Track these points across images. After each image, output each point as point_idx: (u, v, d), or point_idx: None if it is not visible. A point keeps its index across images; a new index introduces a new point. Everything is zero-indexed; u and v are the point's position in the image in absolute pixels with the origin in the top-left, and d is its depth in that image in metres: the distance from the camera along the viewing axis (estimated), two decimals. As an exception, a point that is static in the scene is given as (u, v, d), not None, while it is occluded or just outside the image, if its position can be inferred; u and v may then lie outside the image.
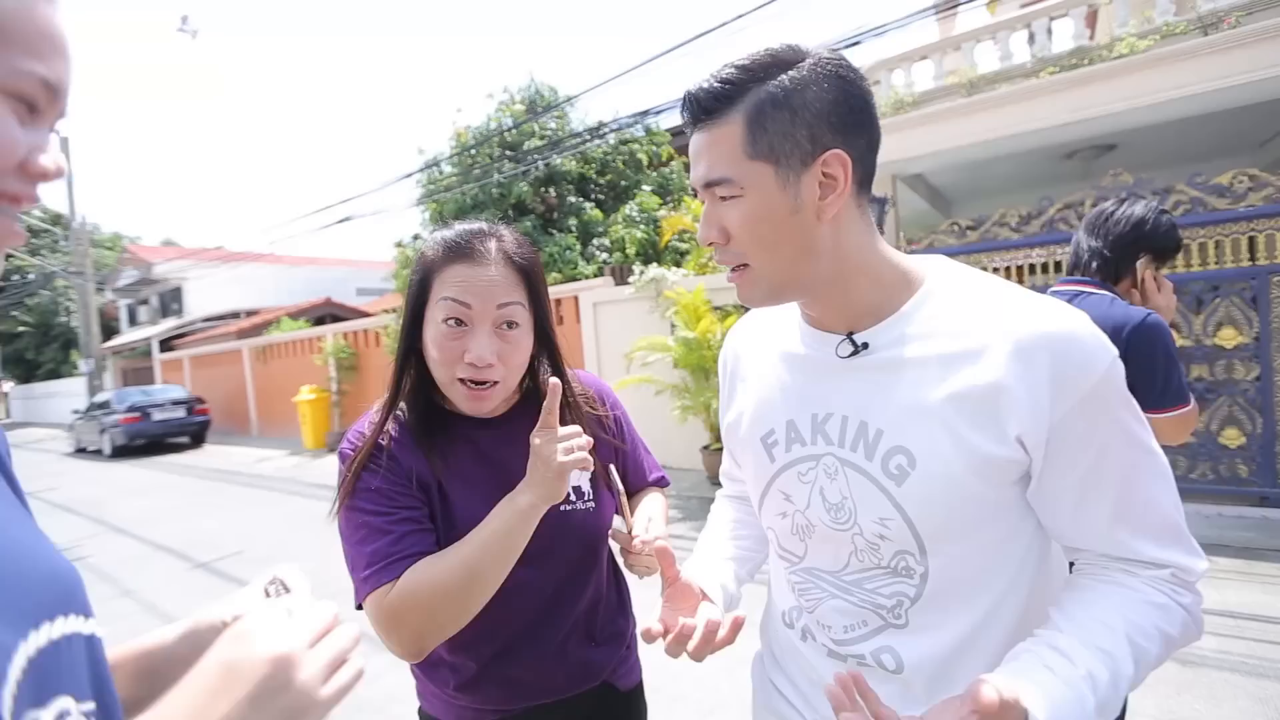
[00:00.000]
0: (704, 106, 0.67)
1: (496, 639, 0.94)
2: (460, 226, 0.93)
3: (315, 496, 7.26)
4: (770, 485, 0.79)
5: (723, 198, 0.68)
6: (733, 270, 0.72)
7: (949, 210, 8.72)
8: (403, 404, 0.95)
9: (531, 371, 1.00)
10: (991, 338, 0.64)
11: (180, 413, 12.73)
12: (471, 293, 0.87)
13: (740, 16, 5.27)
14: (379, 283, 20.99)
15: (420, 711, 1.04)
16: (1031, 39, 5.42)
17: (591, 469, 0.87)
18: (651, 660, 1.09)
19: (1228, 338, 4.36)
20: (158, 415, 12.41)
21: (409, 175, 9.66)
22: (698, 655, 0.71)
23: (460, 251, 0.89)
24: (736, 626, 0.72)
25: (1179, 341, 4.59)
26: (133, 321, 25.27)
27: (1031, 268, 5.04)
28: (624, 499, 0.93)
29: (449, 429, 0.95)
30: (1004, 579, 0.69)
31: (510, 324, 0.90)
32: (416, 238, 10.42)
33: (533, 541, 0.86)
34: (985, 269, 5.15)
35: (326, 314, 16.59)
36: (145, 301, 24.34)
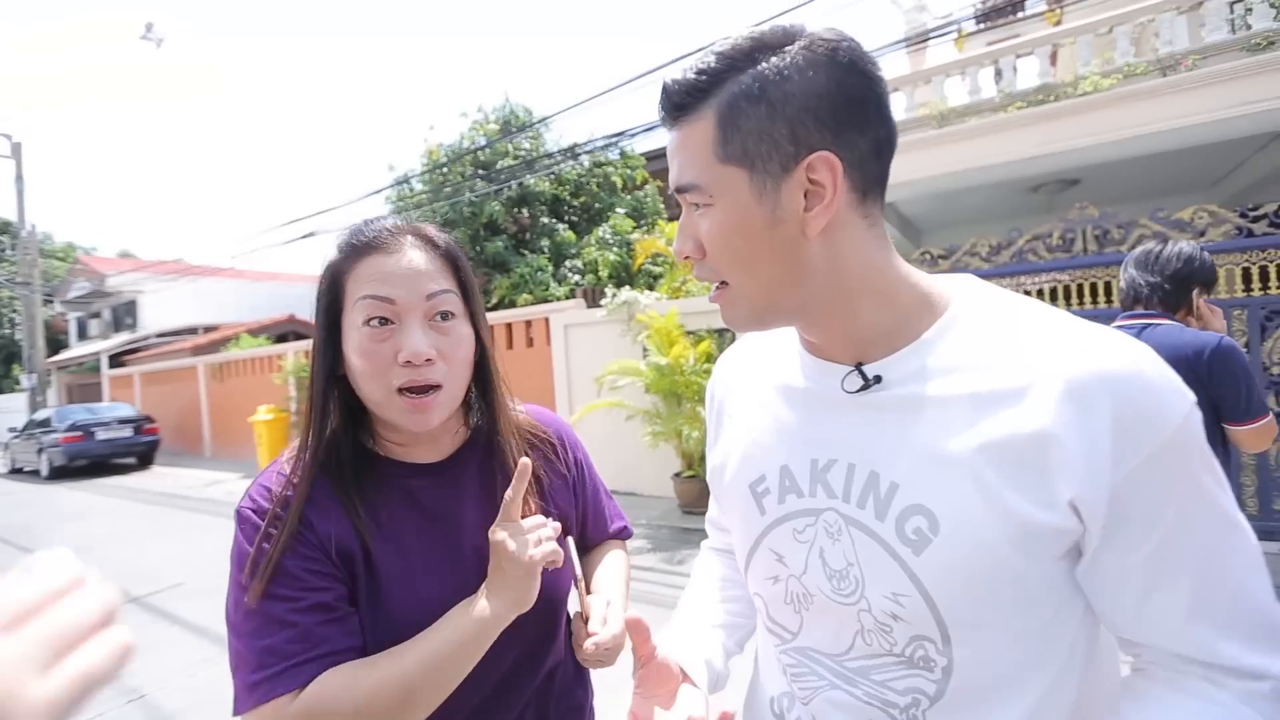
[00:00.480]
0: (675, 101, 0.57)
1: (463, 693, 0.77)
2: (364, 223, 0.78)
3: (266, 523, 6.89)
4: (759, 542, 0.66)
5: (693, 204, 0.58)
6: (714, 289, 0.61)
7: (919, 239, 8.86)
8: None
9: (474, 397, 0.85)
10: (1037, 375, 0.51)
11: (127, 432, 12.11)
12: (393, 283, 0.72)
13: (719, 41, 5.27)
14: (346, 300, 20.46)
15: None
16: (999, 75, 5.55)
17: (561, 561, 0.72)
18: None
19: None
20: (102, 434, 11.77)
21: (378, 191, 9.47)
22: None
23: (371, 244, 0.74)
24: None
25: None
26: (82, 335, 24.21)
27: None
28: (581, 579, 0.77)
29: (380, 477, 0.79)
30: (1046, 677, 0.55)
31: (444, 314, 0.75)
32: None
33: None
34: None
35: (289, 331, 16.09)
36: (97, 315, 23.36)
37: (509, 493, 0.73)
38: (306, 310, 20.23)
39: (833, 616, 0.61)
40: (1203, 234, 4.50)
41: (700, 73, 0.55)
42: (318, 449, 0.76)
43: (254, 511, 0.73)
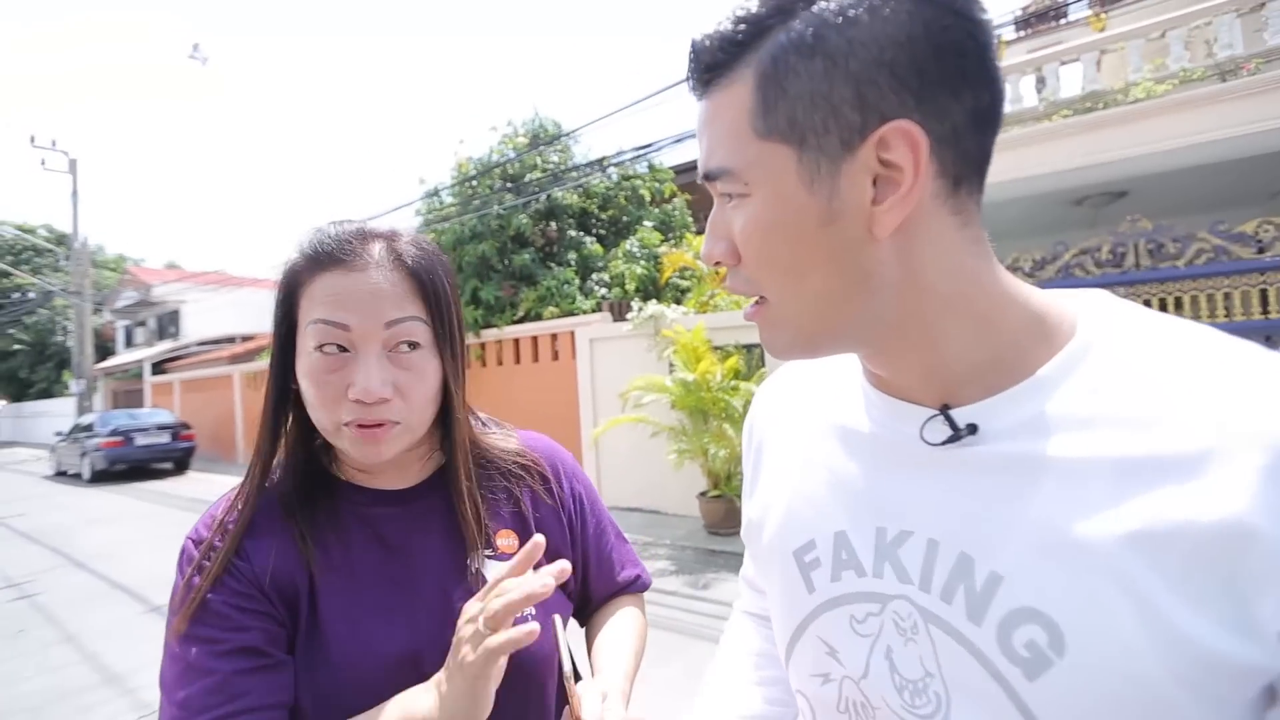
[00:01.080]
0: (705, 61, 0.43)
1: None
2: (326, 230, 0.67)
3: (292, 533, 6.93)
4: (805, 627, 0.52)
5: (724, 194, 0.45)
6: (750, 305, 0.48)
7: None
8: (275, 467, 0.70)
9: (450, 424, 0.73)
10: (1219, 435, 0.36)
11: (165, 438, 12.41)
12: (348, 308, 0.63)
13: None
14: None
15: None
16: (1041, 83, 5.34)
17: (535, 636, 0.55)
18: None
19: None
20: (141, 440, 12.09)
21: (409, 204, 9.58)
22: None
23: (329, 255, 0.64)
24: None
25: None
26: (129, 343, 25.10)
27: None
28: (568, 669, 0.62)
29: (337, 502, 0.70)
30: None
31: (409, 344, 0.65)
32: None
33: (434, 664, 0.61)
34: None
35: (322, 341, 16.38)
36: (143, 323, 24.21)
37: (504, 570, 0.58)
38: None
39: None
40: (1266, 248, 4.23)
41: (739, 21, 0.41)
42: (263, 473, 0.68)
43: (194, 543, 0.66)
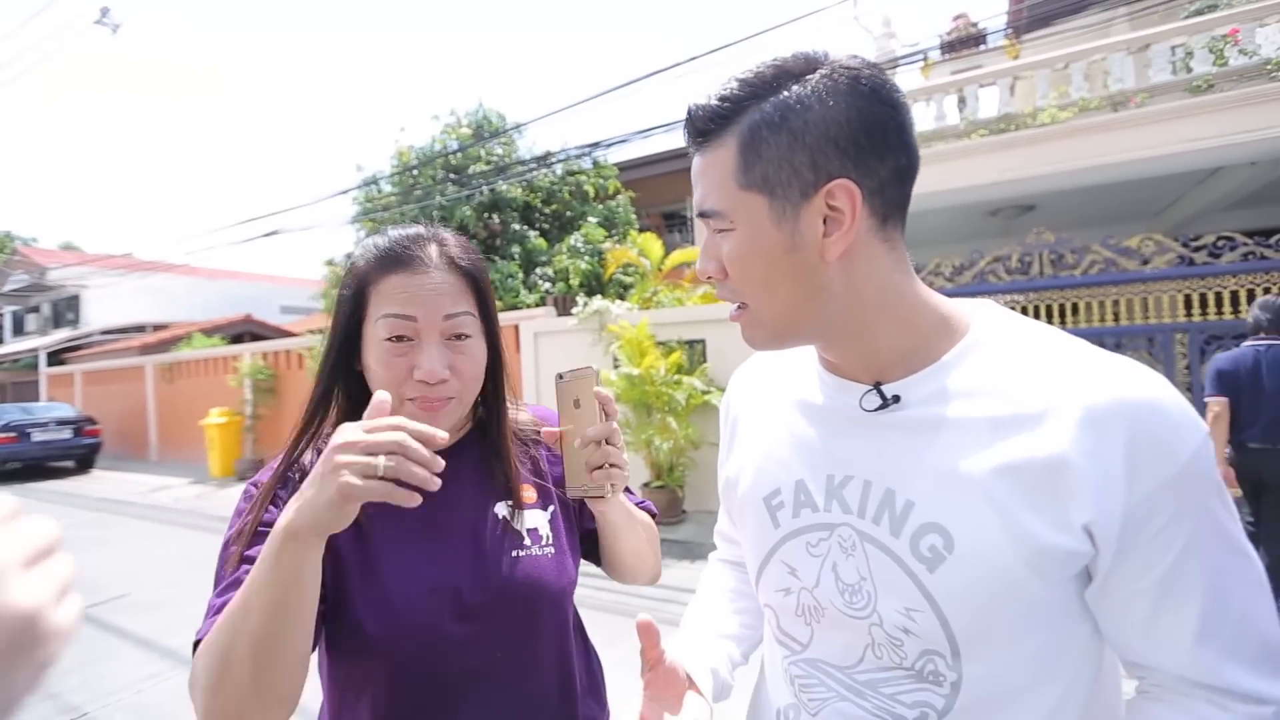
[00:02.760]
0: (698, 128, 0.59)
1: (423, 714, 0.77)
2: (396, 232, 0.80)
3: (219, 531, 6.57)
4: (772, 555, 0.68)
5: (716, 230, 0.60)
6: (735, 309, 0.63)
7: (882, 258, 9.10)
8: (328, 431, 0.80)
9: (483, 397, 0.86)
10: (1055, 400, 0.53)
11: (66, 434, 11.49)
12: (414, 304, 0.75)
13: (692, 59, 5.36)
14: (305, 301, 19.95)
15: None
16: (962, 103, 5.77)
17: (370, 493, 0.58)
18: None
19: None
20: (38, 436, 11.14)
21: (345, 191, 9.28)
22: None
23: (397, 259, 0.77)
24: None
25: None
26: (18, 331, 22.95)
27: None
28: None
29: None
30: (1051, 695, 0.57)
31: (460, 335, 0.78)
32: (349, 256, 9.96)
33: (483, 592, 0.74)
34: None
35: (245, 331, 15.54)
36: (35, 309, 22.19)
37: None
38: (264, 310, 19.62)
39: (844, 630, 0.62)
40: (1148, 261, 4.76)
41: (723, 100, 0.57)
42: (314, 431, 0.79)
43: (255, 485, 0.78)
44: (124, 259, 19.15)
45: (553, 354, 7.09)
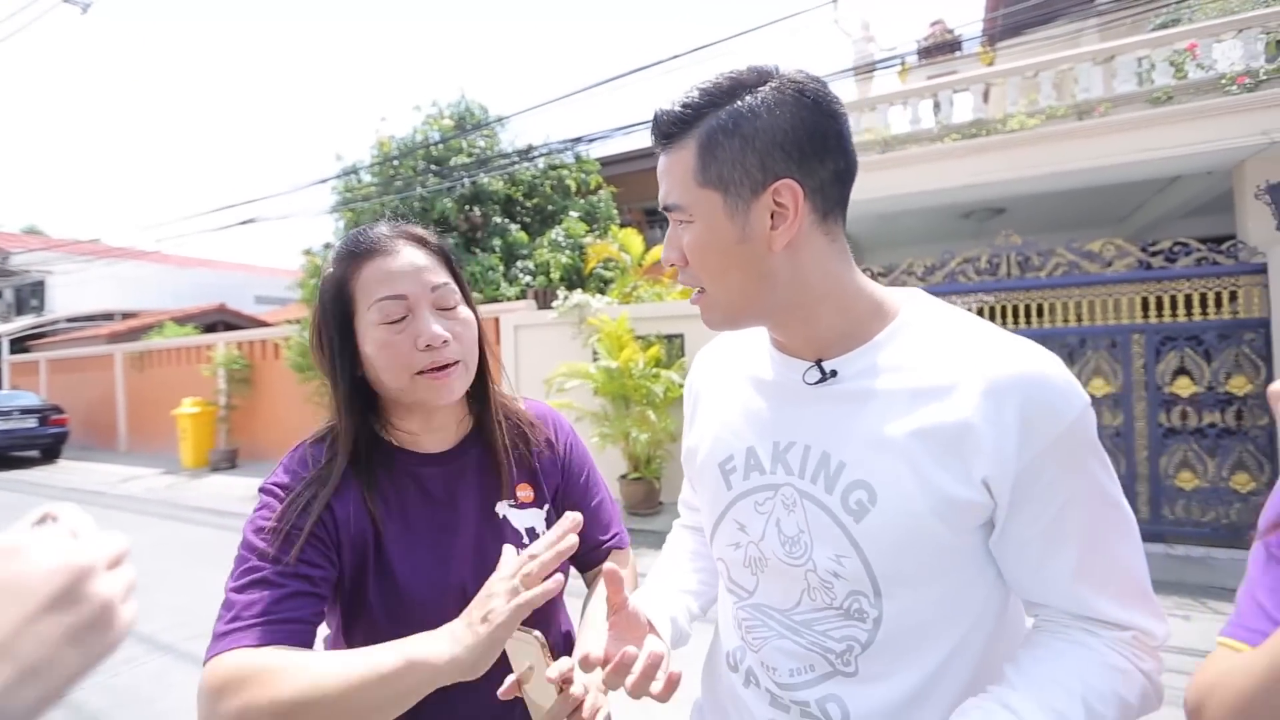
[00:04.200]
0: (663, 130, 0.66)
1: (423, 701, 0.81)
2: (359, 231, 0.83)
3: (192, 521, 6.55)
4: (725, 514, 0.75)
5: (678, 221, 0.67)
6: (696, 293, 0.70)
7: (861, 256, 9.29)
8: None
9: (479, 396, 0.90)
10: (963, 374, 0.62)
11: (30, 423, 11.21)
12: (401, 282, 0.78)
13: (675, 57, 5.44)
14: (281, 291, 19.62)
15: None
16: (937, 107, 5.93)
17: (561, 587, 0.66)
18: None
19: (1097, 387, 4.83)
20: (1, 425, 10.88)
21: (324, 181, 9.18)
22: (635, 691, 0.64)
23: (370, 248, 0.80)
24: (672, 684, 0.65)
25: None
26: (-21, 317, 22.25)
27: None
28: (542, 648, 0.72)
29: (393, 464, 0.84)
30: (960, 630, 0.66)
31: (448, 306, 0.82)
32: (327, 246, 9.86)
33: (474, 590, 0.75)
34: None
35: (219, 321, 15.27)
36: (-2, 295, 21.54)
37: (542, 545, 0.68)
38: (238, 299, 19.25)
39: (784, 577, 0.70)
40: (1109, 264, 4.95)
41: (685, 106, 0.64)
42: (350, 445, 0.81)
43: (278, 486, 0.79)
44: (91, 245, 18.66)
45: (532, 346, 7.13)
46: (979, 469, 0.60)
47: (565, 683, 0.73)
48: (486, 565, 0.78)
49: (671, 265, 0.70)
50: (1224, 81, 4.84)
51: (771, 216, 0.63)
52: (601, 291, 7.93)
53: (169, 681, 3.08)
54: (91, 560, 0.38)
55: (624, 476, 5.96)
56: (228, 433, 10.32)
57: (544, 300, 7.52)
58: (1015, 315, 5.22)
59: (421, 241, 0.83)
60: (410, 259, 0.80)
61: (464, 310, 0.84)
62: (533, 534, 0.89)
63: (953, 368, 0.63)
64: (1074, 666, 0.61)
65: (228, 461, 9.94)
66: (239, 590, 0.72)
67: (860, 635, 0.66)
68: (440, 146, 9.10)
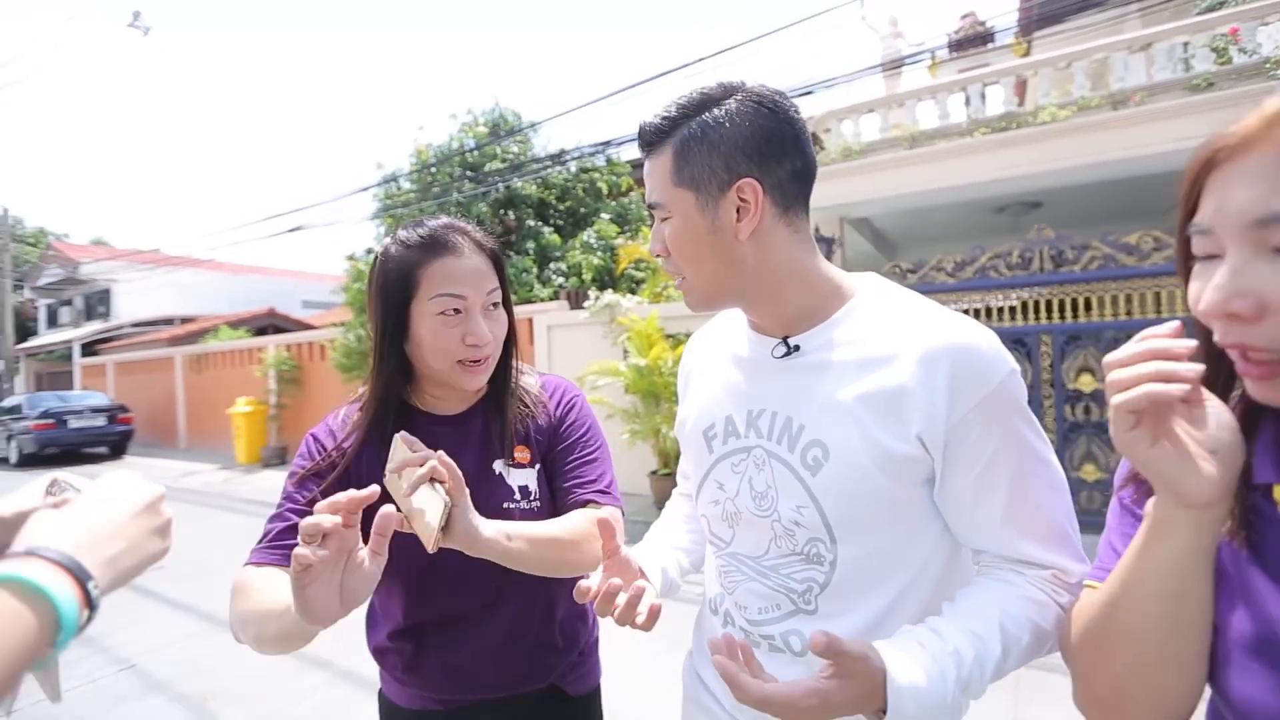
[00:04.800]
0: (646, 139, 0.77)
1: (436, 624, 0.97)
2: (432, 223, 0.95)
3: (247, 512, 6.94)
4: (708, 475, 0.86)
5: (660, 218, 0.78)
6: (679, 280, 0.81)
7: (894, 253, 9.18)
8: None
9: (498, 373, 1.02)
10: (903, 345, 0.71)
11: (100, 421, 11.97)
12: (465, 284, 0.92)
13: (700, 60, 5.54)
14: (327, 296, 20.38)
15: (379, 694, 1.07)
16: (967, 101, 5.87)
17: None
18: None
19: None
20: (74, 423, 11.63)
21: (366, 189, 9.56)
22: (621, 619, 0.73)
23: (442, 246, 0.92)
24: (653, 615, 0.74)
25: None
26: (52, 323, 23.70)
27: (966, 313, 5.40)
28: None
29: (413, 422, 0.98)
30: (908, 574, 0.75)
31: (495, 305, 0.96)
32: (370, 251, 10.25)
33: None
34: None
35: (269, 324, 15.99)
36: (68, 303, 22.91)
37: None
38: (287, 304, 20.07)
39: (755, 528, 0.80)
40: (1147, 257, 4.84)
41: (663, 119, 0.75)
42: (377, 407, 0.96)
43: (314, 438, 0.98)
44: (152, 254, 19.71)
45: (565, 346, 7.31)
46: (915, 426, 0.69)
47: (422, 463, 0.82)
48: (481, 511, 0.86)
49: (657, 255, 0.81)
50: (1269, 65, 4.69)
51: (737, 211, 0.72)
52: (633, 292, 8.06)
53: (229, 654, 3.34)
54: (161, 491, 0.58)
55: (654, 472, 6.08)
56: (278, 430, 10.83)
57: (576, 301, 7.69)
58: (1050, 310, 5.14)
59: (483, 246, 0.96)
60: (474, 264, 0.93)
61: (502, 312, 0.98)
62: (525, 491, 1.00)
63: (895, 340, 0.72)
64: (996, 597, 0.70)
65: (278, 458, 10.42)
66: (268, 520, 0.92)
67: (819, 577, 0.76)
68: (475, 153, 9.38)
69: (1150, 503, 0.54)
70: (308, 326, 15.49)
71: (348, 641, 3.29)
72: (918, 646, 0.64)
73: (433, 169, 9.44)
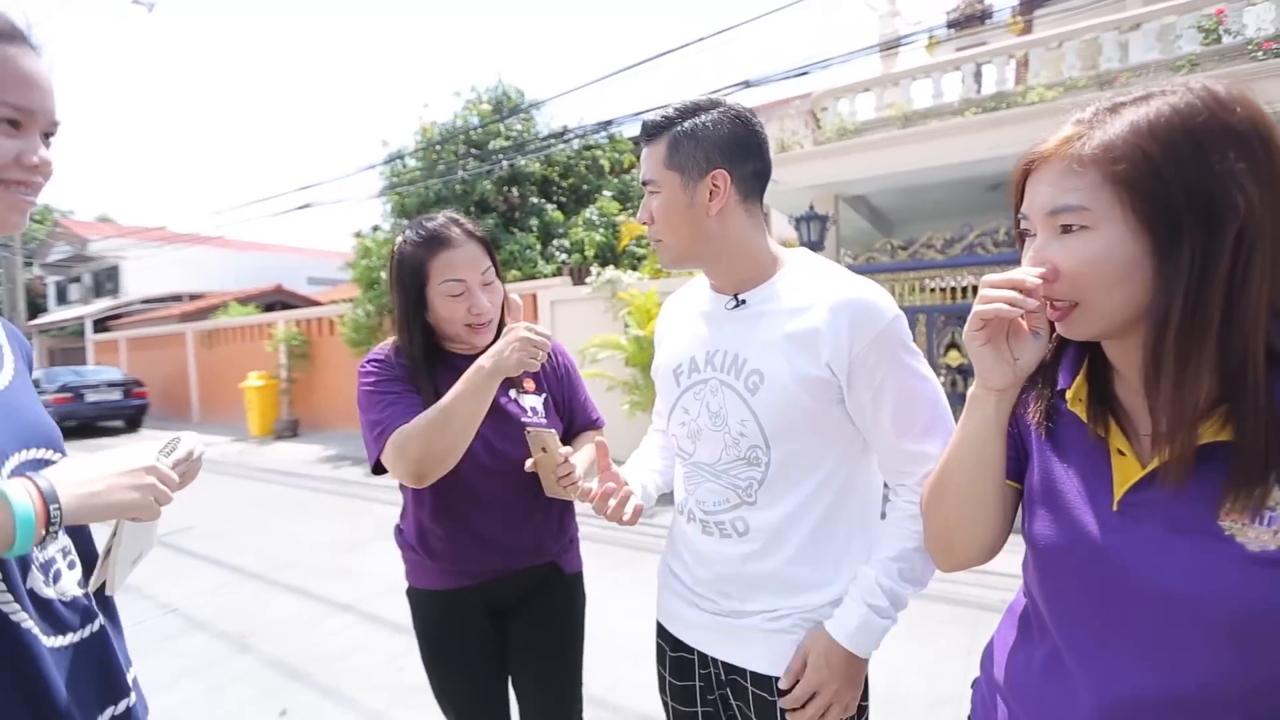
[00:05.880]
0: (648, 131, 1.01)
1: (465, 512, 1.24)
2: (430, 223, 1.25)
3: (266, 480, 7.26)
4: (676, 403, 1.11)
5: (650, 192, 1.02)
6: (656, 242, 1.05)
7: (890, 230, 9.33)
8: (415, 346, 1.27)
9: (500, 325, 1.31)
10: (818, 299, 0.96)
11: (115, 395, 12.30)
12: (464, 269, 1.22)
13: (701, 40, 5.66)
14: (333, 272, 20.61)
15: (408, 590, 1.33)
16: (961, 80, 6.00)
17: (536, 365, 1.15)
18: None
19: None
20: (91, 397, 11.96)
21: (372, 167, 9.71)
22: (612, 516, 1.02)
23: (443, 241, 1.22)
24: (637, 513, 1.03)
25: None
26: (62, 300, 24.01)
27: (954, 290, 5.59)
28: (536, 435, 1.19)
29: (444, 360, 1.29)
30: (823, 472, 1.00)
31: (489, 282, 1.24)
32: (376, 229, 10.44)
33: (501, 441, 1.20)
34: (917, 288, 5.68)
35: (277, 301, 16.25)
36: (77, 279, 23.18)
37: (511, 306, 1.22)
38: (292, 280, 20.31)
39: (711, 441, 1.05)
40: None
41: (665, 118, 0.99)
42: (408, 343, 1.26)
43: (371, 360, 1.26)
44: (159, 231, 19.91)
45: (568, 321, 7.54)
46: (824, 357, 0.94)
47: (566, 460, 1.17)
48: (499, 424, 1.23)
49: (644, 223, 1.05)
50: (1251, 47, 4.82)
51: (710, 194, 0.97)
52: (634, 268, 8.26)
53: (262, 600, 3.65)
54: (150, 464, 0.73)
55: (653, 441, 6.34)
56: (289, 404, 11.14)
57: (579, 277, 7.90)
58: (1033, 286, 5.33)
59: (474, 235, 1.25)
60: (469, 252, 1.23)
61: (497, 285, 1.27)
62: (534, 410, 1.32)
63: (812, 295, 0.97)
64: (893, 535, 0.98)
65: (290, 430, 10.75)
66: (379, 411, 1.19)
67: (757, 475, 1.01)
68: (480, 131, 9.51)
69: (970, 386, 0.78)
70: (314, 303, 15.74)
71: (368, 590, 3.60)
72: (849, 601, 0.98)
73: (438, 146, 9.57)
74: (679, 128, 0.97)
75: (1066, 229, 0.66)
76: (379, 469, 1.21)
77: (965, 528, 0.81)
